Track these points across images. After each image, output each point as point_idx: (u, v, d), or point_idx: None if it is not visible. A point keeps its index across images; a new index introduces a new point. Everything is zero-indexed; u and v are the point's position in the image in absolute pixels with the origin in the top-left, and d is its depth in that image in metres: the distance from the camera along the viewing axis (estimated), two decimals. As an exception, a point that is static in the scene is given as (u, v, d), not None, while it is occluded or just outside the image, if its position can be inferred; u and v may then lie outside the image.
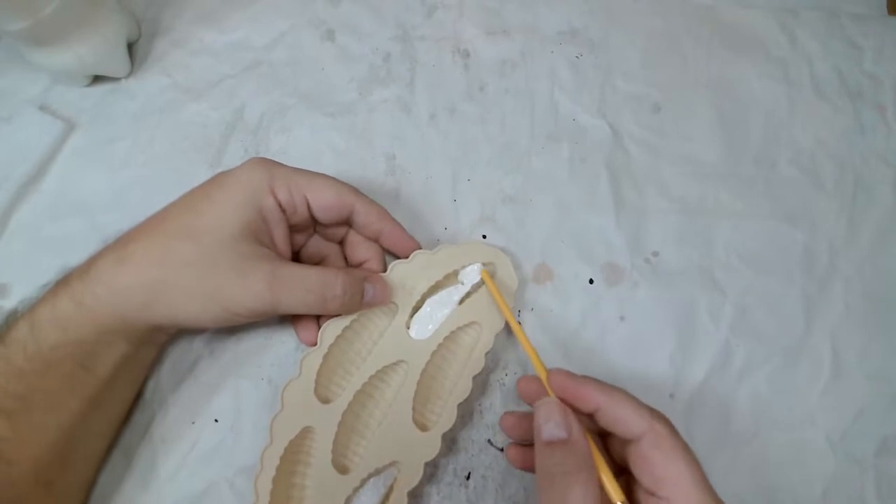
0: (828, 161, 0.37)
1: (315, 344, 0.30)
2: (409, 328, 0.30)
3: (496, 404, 0.32)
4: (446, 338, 0.30)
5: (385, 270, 0.31)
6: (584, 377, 0.25)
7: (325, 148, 0.37)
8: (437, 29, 0.41)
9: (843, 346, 0.33)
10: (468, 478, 0.30)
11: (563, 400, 0.25)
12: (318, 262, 0.32)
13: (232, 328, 0.32)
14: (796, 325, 0.34)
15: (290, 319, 0.32)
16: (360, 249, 0.32)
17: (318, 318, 0.31)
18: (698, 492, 0.22)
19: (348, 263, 0.33)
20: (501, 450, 0.31)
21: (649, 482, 0.23)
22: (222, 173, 0.28)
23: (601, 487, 0.23)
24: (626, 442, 0.24)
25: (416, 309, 0.31)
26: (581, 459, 0.23)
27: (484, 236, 0.35)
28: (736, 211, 0.36)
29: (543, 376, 0.26)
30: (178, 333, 0.32)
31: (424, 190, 0.36)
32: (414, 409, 0.29)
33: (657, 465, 0.23)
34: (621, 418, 0.23)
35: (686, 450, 0.23)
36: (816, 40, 0.41)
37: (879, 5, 0.42)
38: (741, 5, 0.41)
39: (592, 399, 0.24)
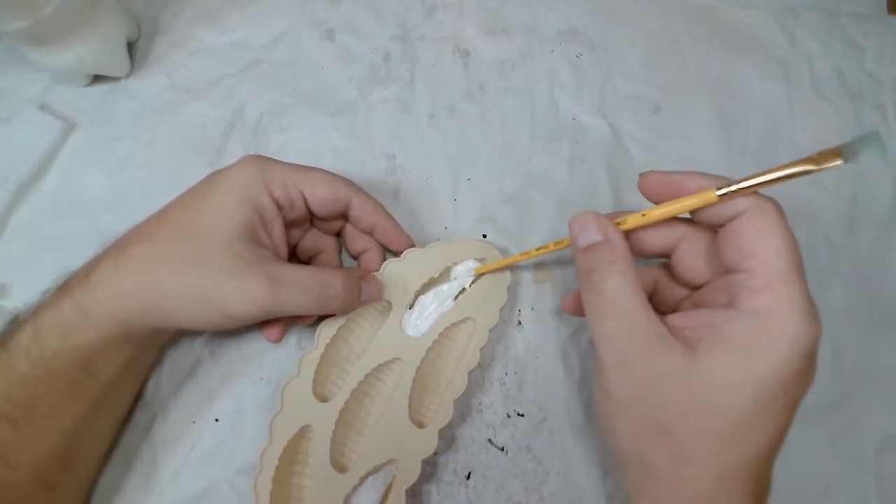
0: (828, 161, 0.37)
1: (278, 341, 0.31)
2: (403, 325, 0.30)
3: (496, 403, 0.32)
4: (441, 334, 0.30)
5: (384, 260, 0.31)
6: (681, 171, 0.24)
7: (324, 147, 0.37)
8: (437, 29, 0.41)
9: (843, 345, 0.33)
10: (468, 477, 0.30)
11: (660, 200, 0.24)
12: (314, 254, 0.32)
13: (232, 328, 0.32)
14: (796, 324, 0.34)
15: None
16: (359, 240, 0.32)
17: (293, 317, 0.31)
18: (786, 266, 0.21)
19: (348, 254, 0.33)
20: (502, 449, 0.31)
21: (735, 256, 0.22)
22: (217, 172, 0.28)
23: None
24: (719, 227, 0.23)
25: (409, 306, 0.31)
26: (618, 252, 0.23)
27: (484, 235, 0.35)
28: (736, 211, 0.36)
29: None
30: (179, 334, 0.32)
31: (424, 189, 0.36)
32: (410, 406, 0.29)
33: (748, 236, 0.22)
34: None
35: (787, 231, 0.22)
36: (816, 40, 0.41)
37: (879, 5, 0.42)
38: (741, 5, 0.41)
39: (693, 183, 0.23)
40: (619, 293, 0.23)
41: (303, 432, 0.28)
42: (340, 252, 0.34)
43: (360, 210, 0.30)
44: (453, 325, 0.30)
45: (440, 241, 0.32)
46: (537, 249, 0.29)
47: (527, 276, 0.34)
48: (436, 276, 0.31)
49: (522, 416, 0.32)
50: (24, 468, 0.25)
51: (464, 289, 0.31)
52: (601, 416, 0.25)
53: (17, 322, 0.26)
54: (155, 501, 0.30)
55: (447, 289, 0.31)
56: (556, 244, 0.28)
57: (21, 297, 0.32)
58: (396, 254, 0.32)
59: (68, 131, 0.37)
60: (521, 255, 0.30)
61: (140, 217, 0.28)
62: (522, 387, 0.32)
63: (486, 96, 0.39)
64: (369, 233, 0.32)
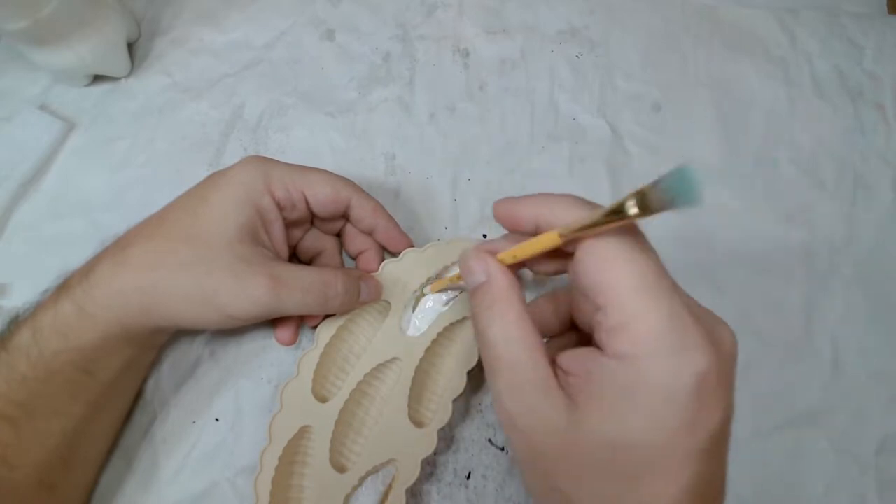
0: (828, 160, 0.37)
1: (292, 343, 0.31)
2: (402, 325, 0.30)
3: (496, 404, 0.32)
4: (439, 334, 0.30)
5: (382, 260, 0.31)
6: (527, 196, 0.22)
7: (324, 147, 0.37)
8: (436, 28, 0.41)
9: (843, 345, 0.33)
10: (468, 477, 0.31)
11: (510, 229, 0.23)
12: (315, 255, 0.32)
13: (232, 328, 0.32)
14: (796, 324, 0.34)
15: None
16: (359, 240, 0.32)
17: (300, 318, 0.31)
18: (636, 297, 0.18)
19: (347, 254, 0.33)
20: (502, 449, 0.31)
21: (589, 292, 0.19)
22: (218, 173, 0.28)
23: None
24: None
25: (408, 306, 0.31)
26: (498, 293, 0.22)
27: (484, 235, 0.35)
28: (736, 211, 0.36)
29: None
30: (178, 333, 0.32)
31: (424, 190, 0.36)
32: (409, 405, 0.29)
33: (589, 269, 0.19)
34: (559, 224, 0.20)
35: (633, 251, 0.19)
36: (816, 39, 0.41)
37: (879, 4, 0.42)
38: (741, 5, 0.41)
39: (527, 212, 0.22)
40: (500, 340, 0.21)
41: (302, 433, 0.28)
42: (341, 252, 0.34)
43: (361, 210, 0.30)
44: (452, 324, 0.30)
45: (439, 241, 0.32)
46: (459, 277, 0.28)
47: (526, 275, 0.34)
48: (434, 276, 0.31)
49: (522, 416, 0.32)
50: (25, 468, 0.25)
51: (462, 288, 0.31)
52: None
53: (16, 322, 0.26)
54: (155, 501, 0.30)
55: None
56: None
57: (21, 297, 0.32)
58: (395, 254, 0.32)
59: (68, 131, 0.37)
60: (449, 278, 0.29)
61: (140, 217, 0.28)
62: (522, 387, 0.32)
63: (485, 96, 0.39)
64: (369, 233, 0.32)
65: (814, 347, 0.33)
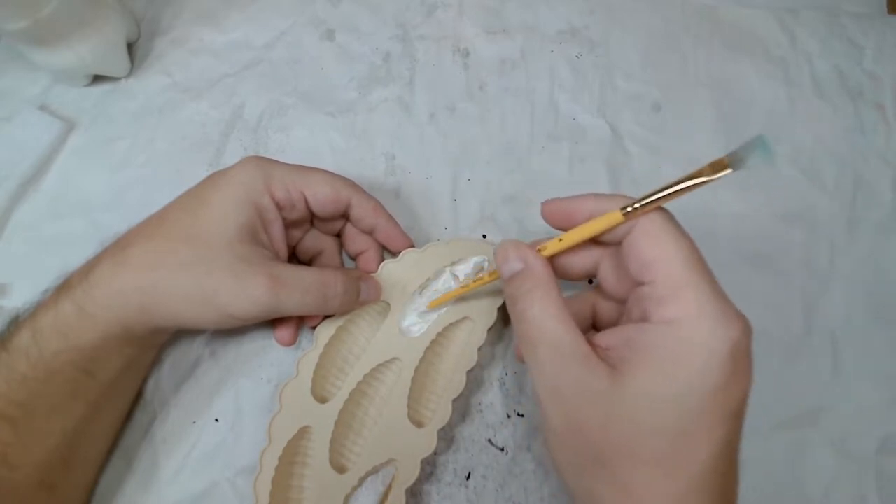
0: (828, 160, 0.37)
1: (292, 343, 0.31)
2: (401, 326, 0.30)
3: (496, 403, 0.32)
4: (439, 334, 0.30)
5: (382, 261, 0.31)
6: (577, 195, 0.25)
7: (324, 147, 0.37)
8: (436, 28, 0.41)
9: (843, 345, 0.33)
10: (468, 478, 0.31)
11: (561, 227, 0.25)
12: (314, 255, 0.32)
13: (232, 328, 0.32)
14: (796, 324, 0.34)
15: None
16: (358, 240, 0.32)
17: (300, 318, 0.31)
18: (684, 270, 0.21)
19: (347, 254, 0.33)
20: (502, 449, 0.31)
21: (637, 269, 0.22)
22: (218, 173, 0.28)
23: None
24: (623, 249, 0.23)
25: (407, 306, 0.31)
26: (538, 279, 0.24)
27: (484, 235, 0.35)
28: (736, 211, 0.36)
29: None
30: (178, 333, 0.32)
31: (424, 190, 0.36)
32: (409, 405, 0.29)
33: (643, 248, 0.22)
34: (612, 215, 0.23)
35: (678, 233, 0.22)
36: (816, 39, 0.41)
37: (879, 4, 0.42)
38: (741, 5, 0.41)
39: (584, 206, 0.24)
40: (542, 318, 0.23)
41: (302, 433, 0.28)
42: (341, 253, 0.34)
43: (361, 210, 0.30)
44: (451, 324, 0.30)
45: (438, 242, 0.32)
46: (474, 281, 0.29)
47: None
48: (433, 276, 0.31)
49: (522, 416, 0.32)
50: (25, 468, 0.25)
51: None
52: (551, 454, 0.24)
53: (16, 322, 0.26)
54: (155, 501, 0.30)
55: (446, 288, 0.31)
56: (490, 274, 0.28)
57: (21, 297, 0.32)
58: (395, 254, 0.32)
59: (68, 131, 0.37)
60: (462, 287, 0.29)
61: (140, 217, 0.28)
62: (522, 387, 0.32)
63: (485, 96, 0.39)
64: (369, 233, 0.32)
65: (814, 347, 0.33)
